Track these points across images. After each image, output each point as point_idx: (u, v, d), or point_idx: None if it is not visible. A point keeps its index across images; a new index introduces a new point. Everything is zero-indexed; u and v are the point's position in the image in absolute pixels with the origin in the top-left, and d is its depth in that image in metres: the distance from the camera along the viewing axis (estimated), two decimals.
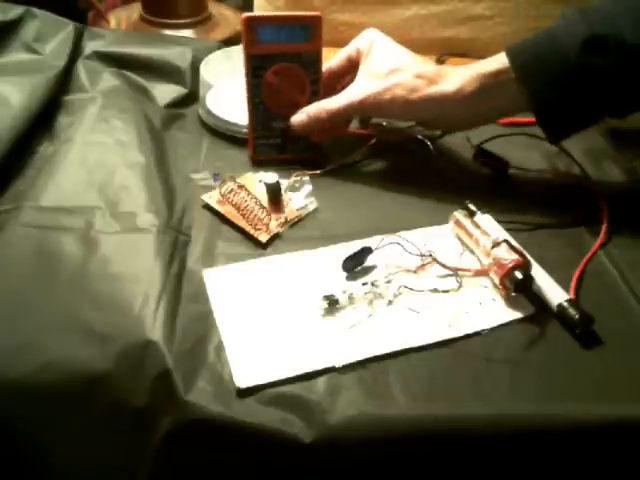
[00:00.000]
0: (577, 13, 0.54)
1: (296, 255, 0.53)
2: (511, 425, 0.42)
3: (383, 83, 0.58)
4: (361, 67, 0.61)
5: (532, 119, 0.67)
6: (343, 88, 0.61)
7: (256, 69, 0.60)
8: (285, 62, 0.60)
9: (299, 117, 0.62)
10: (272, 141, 0.63)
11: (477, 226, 0.53)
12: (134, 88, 0.70)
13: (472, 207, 0.56)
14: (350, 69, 0.62)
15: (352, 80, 0.61)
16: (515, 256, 0.49)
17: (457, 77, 0.57)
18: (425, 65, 0.59)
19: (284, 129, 0.62)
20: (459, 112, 0.58)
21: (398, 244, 0.52)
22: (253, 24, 0.59)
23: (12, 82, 0.64)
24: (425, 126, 0.64)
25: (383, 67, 0.59)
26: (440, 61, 0.83)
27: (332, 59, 0.63)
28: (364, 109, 0.60)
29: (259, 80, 0.61)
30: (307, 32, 0.60)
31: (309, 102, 0.62)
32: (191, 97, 0.71)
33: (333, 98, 0.60)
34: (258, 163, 0.63)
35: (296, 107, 0.62)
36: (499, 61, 0.56)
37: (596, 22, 0.52)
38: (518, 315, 0.49)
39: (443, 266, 0.51)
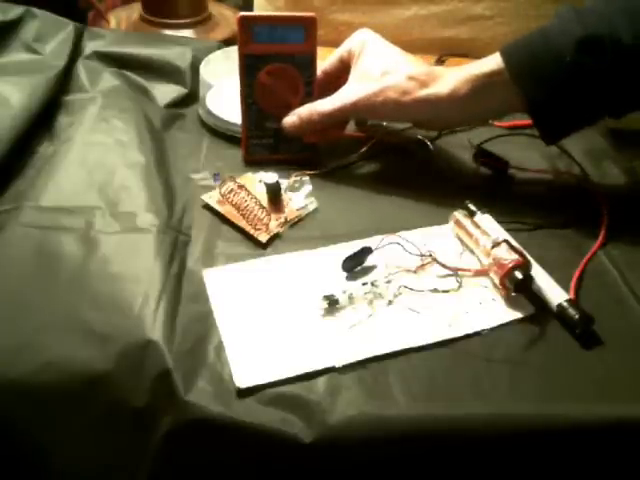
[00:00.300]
0: (572, 12, 0.54)
1: (296, 255, 0.53)
2: (511, 425, 0.42)
3: (375, 85, 0.58)
4: (353, 69, 0.60)
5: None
6: (337, 90, 0.61)
7: (250, 69, 0.60)
8: (279, 62, 0.60)
9: (290, 119, 0.61)
10: (265, 141, 0.63)
11: (477, 226, 0.53)
12: (134, 88, 0.70)
13: (472, 207, 0.56)
14: (343, 70, 0.61)
15: (345, 81, 0.60)
16: (515, 256, 0.49)
17: (450, 79, 0.56)
18: (417, 66, 0.58)
19: (277, 129, 0.62)
20: (453, 113, 0.58)
21: (398, 244, 0.52)
22: (248, 23, 0.59)
23: (12, 82, 0.64)
24: (419, 127, 0.63)
25: (375, 69, 0.59)
26: (440, 61, 0.83)
27: (325, 61, 0.63)
28: (357, 111, 0.60)
29: (252, 80, 0.61)
30: (302, 33, 0.60)
31: (302, 103, 0.61)
32: (191, 97, 0.71)
33: (325, 100, 0.60)
34: (251, 163, 0.62)
35: (289, 108, 0.62)
36: (493, 62, 0.55)
37: (591, 22, 0.52)
38: (518, 315, 0.49)
39: (443, 266, 0.51)
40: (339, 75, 0.62)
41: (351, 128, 0.67)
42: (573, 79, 0.53)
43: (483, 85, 0.55)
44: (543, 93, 0.54)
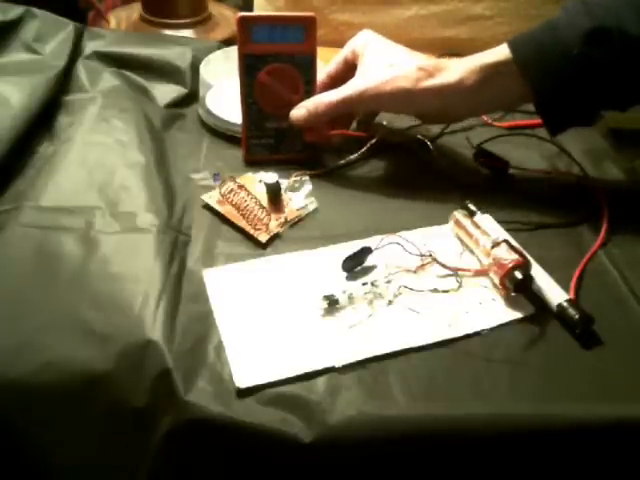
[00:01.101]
0: (579, 5, 0.54)
1: (296, 255, 0.53)
2: (511, 425, 0.42)
3: (384, 75, 0.58)
4: (358, 67, 0.60)
5: (533, 121, 0.67)
6: None
7: (250, 69, 0.60)
8: (279, 62, 0.60)
9: (297, 111, 0.61)
10: (265, 141, 0.63)
11: (477, 226, 0.53)
12: (134, 88, 0.70)
13: (472, 207, 0.56)
14: (348, 72, 0.61)
15: None
16: (515, 256, 0.49)
17: (458, 69, 0.57)
18: (424, 59, 0.59)
19: (277, 129, 0.62)
20: (460, 103, 0.58)
21: (398, 244, 0.52)
22: (247, 24, 0.59)
23: (12, 82, 0.64)
24: (424, 119, 0.63)
25: (381, 63, 0.59)
26: None
27: (329, 64, 0.63)
28: (363, 102, 0.59)
29: (252, 80, 0.61)
30: (301, 33, 0.60)
31: None
32: (191, 97, 0.71)
33: (332, 91, 0.60)
34: (251, 163, 0.62)
35: (289, 108, 0.61)
36: (501, 53, 0.56)
37: (599, 14, 0.53)
38: (518, 315, 0.49)
39: (443, 266, 0.51)
40: (344, 77, 0.62)
41: (353, 128, 0.67)
42: (580, 71, 0.53)
43: (490, 75, 0.56)
44: (550, 85, 0.54)
